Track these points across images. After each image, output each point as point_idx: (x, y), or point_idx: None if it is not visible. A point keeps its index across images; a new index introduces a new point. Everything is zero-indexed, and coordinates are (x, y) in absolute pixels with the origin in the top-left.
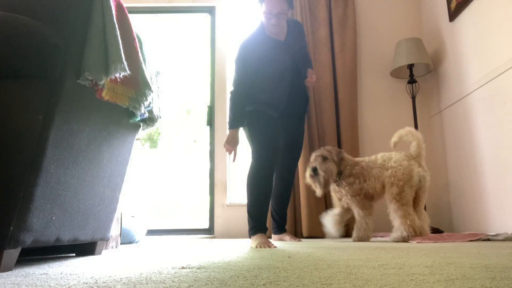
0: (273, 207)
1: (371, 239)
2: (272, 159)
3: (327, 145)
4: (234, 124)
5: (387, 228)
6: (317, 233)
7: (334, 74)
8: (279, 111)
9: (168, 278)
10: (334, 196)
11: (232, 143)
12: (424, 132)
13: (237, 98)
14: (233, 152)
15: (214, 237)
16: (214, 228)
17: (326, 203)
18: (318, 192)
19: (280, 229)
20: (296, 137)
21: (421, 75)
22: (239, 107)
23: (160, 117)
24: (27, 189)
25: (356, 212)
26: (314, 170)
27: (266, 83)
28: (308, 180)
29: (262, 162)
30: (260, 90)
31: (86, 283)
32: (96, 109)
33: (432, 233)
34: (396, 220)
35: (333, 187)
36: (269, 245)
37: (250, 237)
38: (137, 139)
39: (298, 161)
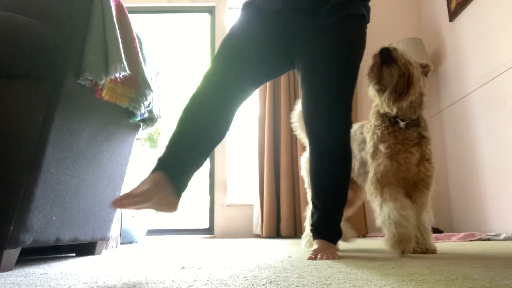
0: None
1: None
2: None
3: None
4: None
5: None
6: None
7: None
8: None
9: (168, 278)
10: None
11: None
12: None
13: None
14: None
15: (214, 237)
16: (214, 228)
17: None
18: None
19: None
20: (313, 62)
21: None
22: None
23: (160, 117)
24: (27, 189)
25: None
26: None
27: None
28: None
29: None
30: None
31: (86, 283)
32: (96, 109)
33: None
34: None
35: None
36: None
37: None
38: (137, 139)
39: (331, 111)
